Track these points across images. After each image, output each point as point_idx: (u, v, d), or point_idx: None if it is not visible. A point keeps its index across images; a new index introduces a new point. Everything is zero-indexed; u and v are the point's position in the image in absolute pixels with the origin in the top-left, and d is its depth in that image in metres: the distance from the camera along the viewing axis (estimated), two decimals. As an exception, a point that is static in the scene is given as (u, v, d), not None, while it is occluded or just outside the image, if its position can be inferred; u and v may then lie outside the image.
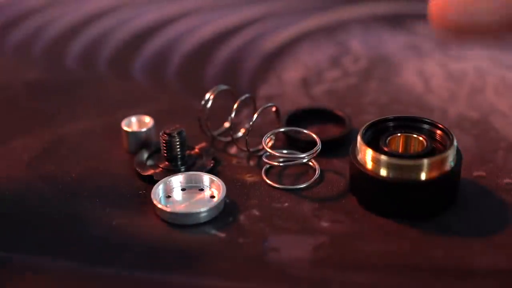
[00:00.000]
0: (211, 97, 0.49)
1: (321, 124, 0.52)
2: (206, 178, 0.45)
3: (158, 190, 0.44)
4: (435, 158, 0.41)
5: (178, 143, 0.46)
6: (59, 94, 0.58)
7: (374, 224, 0.42)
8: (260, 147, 0.48)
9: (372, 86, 0.57)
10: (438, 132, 0.44)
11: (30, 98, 0.57)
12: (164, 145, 0.46)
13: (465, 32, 0.37)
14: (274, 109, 0.49)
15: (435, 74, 0.59)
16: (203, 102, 0.49)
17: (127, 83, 0.59)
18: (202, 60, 0.62)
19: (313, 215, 0.43)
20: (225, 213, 0.43)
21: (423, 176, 0.41)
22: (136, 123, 0.49)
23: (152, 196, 0.43)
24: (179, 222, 0.43)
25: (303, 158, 0.46)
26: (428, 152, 0.42)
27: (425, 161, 0.41)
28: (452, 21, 0.36)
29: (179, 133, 0.46)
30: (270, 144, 0.49)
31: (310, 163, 0.47)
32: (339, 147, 0.49)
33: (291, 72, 0.60)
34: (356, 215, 0.43)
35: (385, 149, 0.42)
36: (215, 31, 0.67)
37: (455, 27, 0.37)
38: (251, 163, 0.48)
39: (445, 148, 0.43)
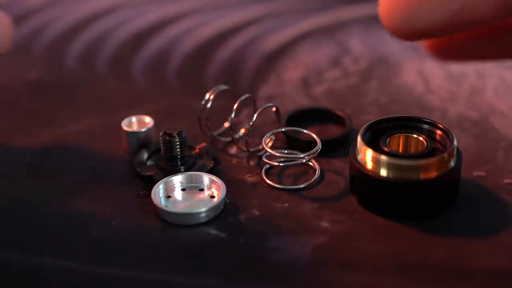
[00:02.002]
0: (211, 97, 0.49)
1: (321, 124, 0.52)
2: (206, 178, 0.45)
3: (158, 190, 0.44)
4: (435, 158, 0.41)
5: (178, 143, 0.46)
6: (59, 94, 0.58)
7: (374, 224, 0.42)
8: (260, 147, 0.48)
9: (372, 86, 0.57)
10: (438, 132, 0.44)
11: (30, 98, 0.57)
12: (164, 145, 0.46)
13: (416, 36, 0.37)
14: (274, 109, 0.49)
15: (435, 74, 0.59)
16: (203, 102, 0.49)
17: (127, 83, 0.59)
18: (202, 60, 0.62)
19: (313, 215, 0.43)
20: (225, 213, 0.43)
21: (423, 176, 0.41)
22: (136, 123, 0.49)
23: (152, 196, 0.43)
24: (179, 222, 0.43)
25: (303, 158, 0.46)
26: (428, 152, 0.42)
27: (425, 162, 0.41)
28: (400, 25, 0.36)
29: (179, 133, 0.46)
30: (270, 144, 0.49)
31: (310, 163, 0.47)
32: (339, 147, 0.49)
33: (291, 72, 0.60)
34: (356, 215, 0.43)
35: (385, 149, 0.42)
36: (215, 31, 0.67)
37: (403, 31, 0.36)
38: (251, 163, 0.48)
39: (445, 148, 0.43)
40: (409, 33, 0.36)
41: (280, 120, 0.49)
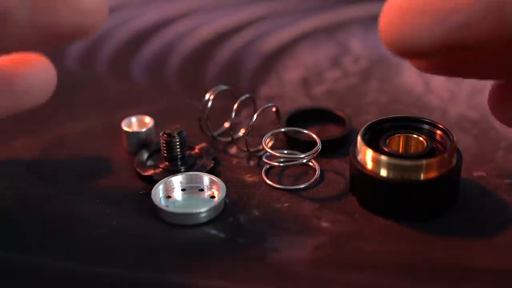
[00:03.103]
0: (211, 97, 0.49)
1: (321, 124, 0.52)
2: (206, 178, 0.45)
3: (158, 190, 0.44)
4: (435, 158, 0.41)
5: (178, 143, 0.46)
6: (59, 94, 0.57)
7: (374, 224, 0.42)
8: (260, 147, 0.48)
9: (372, 86, 0.57)
10: (438, 132, 0.44)
11: (30, 98, 0.57)
12: (164, 145, 0.46)
13: (410, 54, 0.35)
14: (274, 109, 0.49)
15: (435, 74, 0.58)
16: (203, 102, 0.49)
17: (127, 83, 0.59)
18: (202, 60, 0.62)
19: (313, 215, 0.43)
20: (225, 213, 0.43)
21: (423, 176, 0.41)
22: (136, 123, 0.49)
23: (152, 196, 0.43)
24: (179, 222, 0.43)
25: (303, 158, 0.46)
26: (428, 152, 0.42)
27: (425, 162, 0.41)
28: (396, 41, 0.34)
29: (179, 133, 0.46)
30: (270, 144, 0.49)
31: (310, 163, 0.47)
32: (339, 147, 0.49)
33: (291, 72, 0.60)
34: (356, 215, 0.43)
35: (385, 149, 0.42)
36: (215, 31, 0.67)
37: (399, 47, 0.35)
38: (251, 163, 0.48)
39: (445, 148, 0.43)
40: (404, 49, 0.35)
41: (280, 120, 0.49)
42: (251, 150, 0.48)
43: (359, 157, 0.43)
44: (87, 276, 0.39)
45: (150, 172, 0.46)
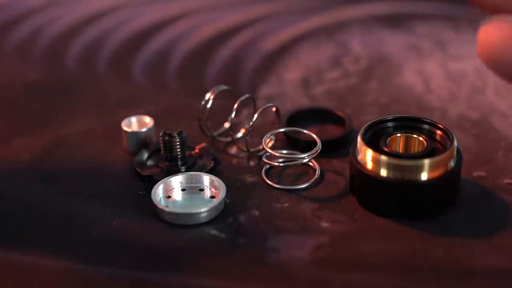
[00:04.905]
0: (211, 97, 0.49)
1: (321, 124, 0.52)
2: (206, 178, 0.45)
3: (158, 190, 0.44)
4: (435, 158, 0.41)
5: (178, 143, 0.46)
6: (59, 94, 0.58)
7: (374, 224, 0.42)
8: (260, 147, 0.48)
9: (372, 86, 0.57)
10: (438, 132, 0.44)
11: (30, 98, 0.57)
12: (164, 145, 0.46)
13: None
14: (274, 109, 0.49)
15: (435, 74, 0.58)
16: (203, 102, 0.49)
17: (127, 83, 0.59)
18: (202, 60, 0.62)
19: (313, 215, 0.43)
20: (225, 213, 0.43)
21: (423, 177, 0.41)
22: (136, 123, 0.49)
23: (152, 196, 0.43)
24: (179, 222, 0.43)
25: (303, 158, 0.46)
26: (428, 153, 0.42)
27: (425, 162, 0.41)
28: (498, 62, 0.35)
29: (179, 133, 0.46)
30: (270, 144, 0.49)
31: (310, 163, 0.47)
32: (339, 147, 0.49)
33: (291, 72, 0.60)
34: (356, 215, 0.43)
35: (385, 149, 0.42)
36: (215, 31, 0.67)
37: (501, 68, 0.36)
38: (251, 163, 0.48)
39: (445, 148, 0.43)
40: (507, 71, 0.36)
41: (280, 120, 0.49)
42: (251, 150, 0.48)
43: (359, 157, 0.43)
44: (87, 276, 0.39)
45: (150, 172, 0.46)
